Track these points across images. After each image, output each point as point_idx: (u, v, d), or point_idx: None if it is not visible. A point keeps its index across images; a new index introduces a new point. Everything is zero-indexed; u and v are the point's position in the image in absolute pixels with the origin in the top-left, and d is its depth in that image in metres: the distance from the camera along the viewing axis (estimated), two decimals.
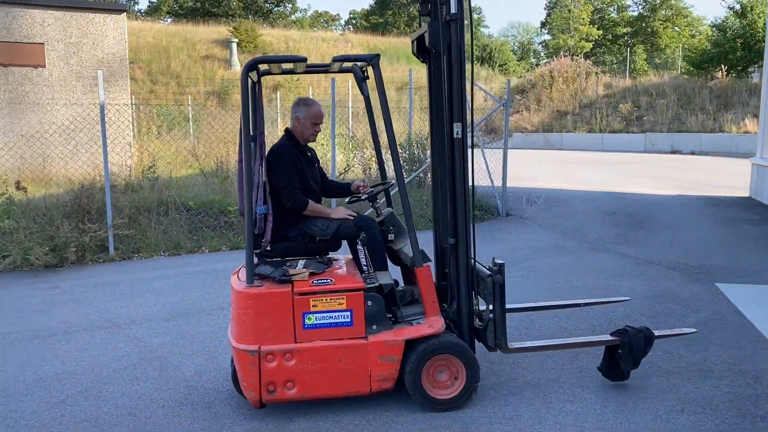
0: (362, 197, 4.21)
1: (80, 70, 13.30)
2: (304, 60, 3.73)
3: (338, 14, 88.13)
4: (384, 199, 4.50)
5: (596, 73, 34.42)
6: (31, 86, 13.20)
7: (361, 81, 3.57)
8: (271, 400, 3.59)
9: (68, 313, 5.86)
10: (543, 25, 58.72)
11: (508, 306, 4.63)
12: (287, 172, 3.88)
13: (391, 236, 4.04)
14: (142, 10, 51.67)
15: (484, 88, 14.18)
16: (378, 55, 3.63)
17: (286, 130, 4.10)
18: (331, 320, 3.55)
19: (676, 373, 4.19)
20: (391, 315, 3.74)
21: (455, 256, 3.80)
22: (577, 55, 41.97)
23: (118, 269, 7.73)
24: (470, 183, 3.79)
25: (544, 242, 8.63)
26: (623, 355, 3.88)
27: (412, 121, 13.18)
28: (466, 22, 3.64)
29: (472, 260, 3.89)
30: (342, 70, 3.85)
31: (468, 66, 3.79)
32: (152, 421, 3.66)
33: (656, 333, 4.00)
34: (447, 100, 3.71)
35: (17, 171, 11.90)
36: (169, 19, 49.44)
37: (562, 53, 41.30)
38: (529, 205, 11.20)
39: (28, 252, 7.47)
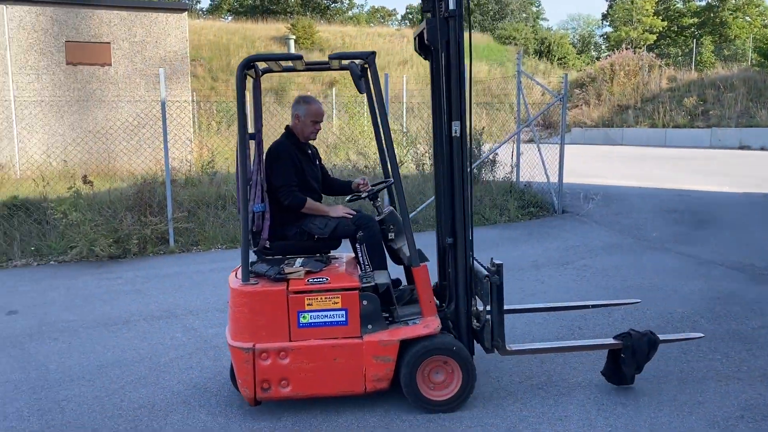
0: (362, 195, 4.16)
1: (144, 68, 13.77)
2: (300, 58, 3.72)
3: (395, 9, 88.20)
4: (387, 197, 4.47)
5: (660, 65, 33.27)
6: (98, 84, 13.75)
7: (357, 78, 3.52)
8: (266, 398, 3.61)
9: (129, 303, 6.09)
10: (604, 17, 57.12)
11: (519, 306, 4.58)
12: (286, 170, 3.86)
13: (391, 235, 3.98)
14: (204, 9, 53.00)
15: (542, 82, 13.94)
16: (374, 53, 3.59)
17: (287, 128, 4.09)
18: (325, 319, 3.54)
19: (736, 378, 4.03)
20: (387, 315, 3.70)
21: (454, 255, 3.76)
22: (640, 48, 40.68)
23: (177, 261, 7.98)
24: (470, 183, 3.72)
25: (601, 240, 8.43)
26: (626, 360, 3.78)
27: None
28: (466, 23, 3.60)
29: (472, 260, 3.83)
30: (342, 68, 3.79)
31: (468, 64, 3.70)
32: (205, 410, 3.77)
33: (662, 337, 3.90)
34: (445, 97, 3.66)
35: (84, 165, 12.43)
36: (230, 17, 50.52)
37: (623, 46, 40.11)
38: (587, 201, 10.94)
39: (94, 243, 7.79)
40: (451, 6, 3.55)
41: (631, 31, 50.67)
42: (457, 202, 3.69)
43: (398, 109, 18.81)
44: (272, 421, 3.61)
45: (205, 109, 21.66)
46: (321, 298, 3.53)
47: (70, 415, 3.76)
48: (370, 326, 3.56)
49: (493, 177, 11.43)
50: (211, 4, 53.84)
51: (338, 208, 3.98)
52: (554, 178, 10.50)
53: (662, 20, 51.84)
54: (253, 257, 3.87)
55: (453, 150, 3.68)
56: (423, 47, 3.85)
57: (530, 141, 12.17)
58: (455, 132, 3.65)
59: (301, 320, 3.54)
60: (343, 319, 3.54)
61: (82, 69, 13.64)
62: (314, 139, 4.12)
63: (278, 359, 3.53)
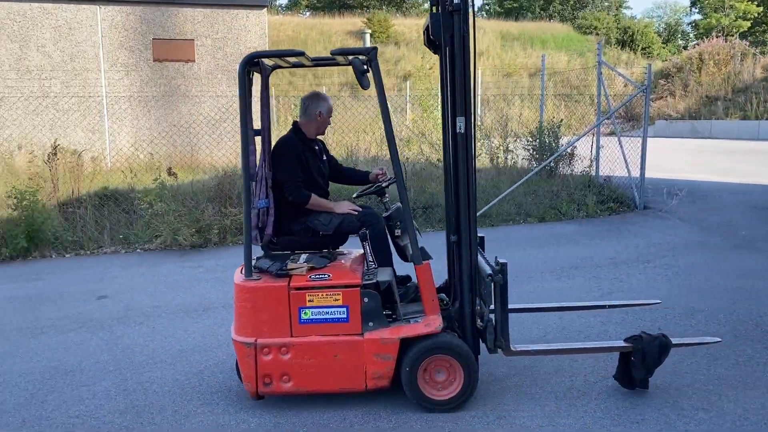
0: (383, 184, 4.13)
1: (225, 64, 14.23)
2: (302, 54, 3.64)
3: (472, 1, 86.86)
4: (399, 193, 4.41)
5: (754, 54, 31.34)
6: (182, 80, 14.32)
7: (360, 74, 3.45)
8: (268, 393, 3.64)
9: (209, 290, 6.32)
10: (693, 3, 54.35)
11: (537, 306, 4.49)
12: (292, 166, 3.87)
13: (397, 231, 3.93)
14: (283, 5, 54.12)
15: (624, 73, 13.43)
16: (375, 48, 3.54)
17: (294, 124, 4.09)
18: (327, 316, 3.53)
19: None
20: (391, 312, 3.65)
21: (459, 254, 3.67)
22: (732, 36, 38.44)
23: (256, 251, 8.20)
24: (474, 180, 3.62)
25: (685, 238, 8.05)
26: (636, 363, 3.64)
27: (544, 108, 12.80)
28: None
29: (477, 259, 3.72)
30: (348, 63, 3.70)
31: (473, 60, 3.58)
32: (280, 396, 3.87)
33: (675, 341, 3.72)
34: (450, 92, 3.59)
35: (169, 158, 12.97)
36: (308, 13, 51.35)
37: (714, 34, 38.02)
38: (670, 197, 10.48)
39: (177, 233, 8.14)
40: (456, 0, 3.48)
41: (723, 18, 47.98)
42: (462, 199, 3.61)
43: (475, 101, 18.60)
44: (342, 410, 3.66)
45: (283, 104, 22.15)
46: (322, 295, 3.53)
47: (152, 396, 3.95)
48: (371, 324, 3.53)
49: (571, 171, 11.13)
50: (289, 1, 54.92)
51: (343, 205, 3.97)
52: (636, 173, 10.11)
53: (758, 5, 48.77)
54: (261, 253, 3.91)
55: (458, 147, 3.59)
56: (430, 42, 3.78)
57: (611, 134, 11.76)
58: (459, 128, 3.57)
59: (303, 316, 3.54)
60: (344, 316, 3.53)
61: (168, 65, 14.24)
62: (324, 133, 4.16)
63: (280, 355, 3.55)
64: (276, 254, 3.91)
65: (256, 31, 14.58)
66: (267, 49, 14.98)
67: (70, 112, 13.73)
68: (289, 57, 3.72)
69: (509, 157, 11.70)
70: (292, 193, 3.86)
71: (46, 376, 4.31)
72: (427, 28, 3.77)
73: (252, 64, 3.67)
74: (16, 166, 10.04)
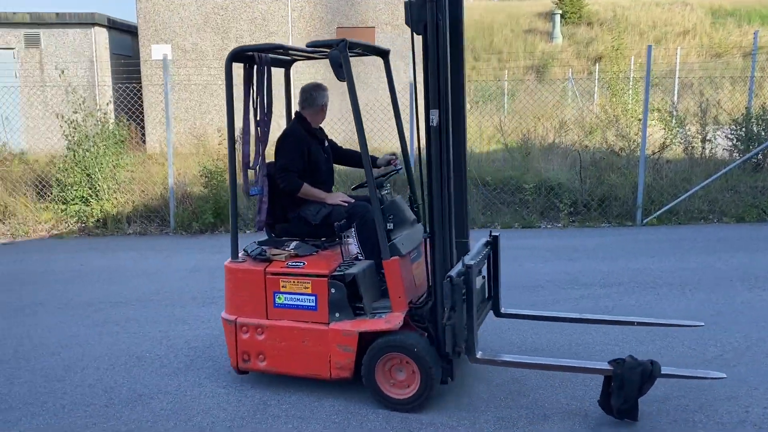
0: (398, 168, 4.13)
1: (403, 50, 14.34)
2: (281, 47, 3.75)
3: None
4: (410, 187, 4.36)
5: None
6: (362, 67, 14.69)
7: (337, 67, 3.43)
8: (246, 369, 3.86)
9: None
10: None
11: (552, 314, 4.24)
12: (289, 155, 3.93)
13: (389, 225, 3.72)
14: None
15: None
16: (344, 40, 3.47)
17: (297, 114, 4.12)
18: (298, 302, 3.67)
19: None
20: (359, 305, 3.61)
21: (432, 252, 3.48)
22: None
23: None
24: (448, 175, 3.43)
25: None
26: (614, 389, 3.26)
27: (756, 93, 11.18)
28: None
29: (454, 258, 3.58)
30: (327, 56, 3.55)
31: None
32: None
33: (666, 370, 3.26)
34: (423, 83, 3.42)
35: (348, 143, 13.42)
36: None
37: None
38: None
39: None
40: None
41: None
42: (435, 195, 3.42)
43: (672, 84, 16.89)
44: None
45: (467, 90, 21.96)
46: (294, 282, 3.67)
47: None
48: (337, 314, 3.60)
49: None
50: None
51: (336, 196, 3.99)
52: None
53: None
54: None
55: (431, 140, 3.41)
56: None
57: None
58: (432, 121, 3.39)
59: (277, 300, 3.72)
60: (313, 304, 3.64)
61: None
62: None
63: (256, 335, 3.76)
64: (272, 240, 4.04)
65: None
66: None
67: None
68: (268, 51, 3.84)
69: (707, 147, 10.40)
70: (283, 182, 3.92)
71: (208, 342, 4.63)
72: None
73: (238, 59, 3.79)
74: (209, 147, 10.99)
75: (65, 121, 8.88)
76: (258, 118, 3.95)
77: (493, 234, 4.08)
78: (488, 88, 22.48)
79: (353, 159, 4.40)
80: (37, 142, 13.08)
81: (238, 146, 3.98)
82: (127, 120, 9.99)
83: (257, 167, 3.93)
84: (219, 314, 4.04)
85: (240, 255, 3.92)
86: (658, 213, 8.63)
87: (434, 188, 3.43)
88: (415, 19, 3.39)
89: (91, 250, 7.96)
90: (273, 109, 4.01)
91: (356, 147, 3.97)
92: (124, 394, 3.87)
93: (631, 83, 16.72)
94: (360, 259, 3.82)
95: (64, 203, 9.02)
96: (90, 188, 8.94)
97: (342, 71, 3.45)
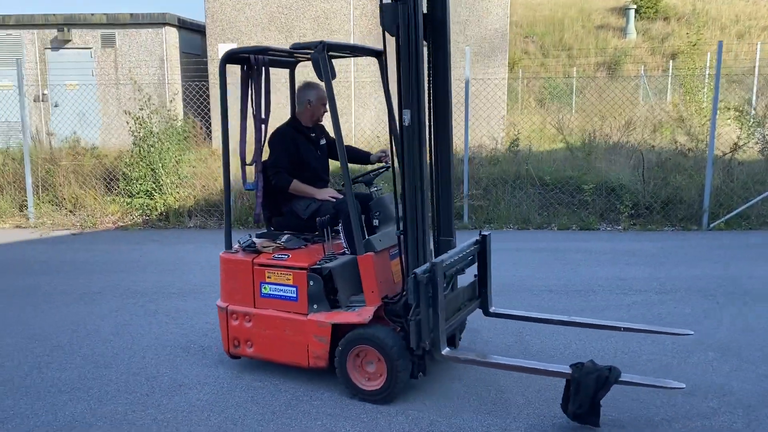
0: (388, 165, 4.20)
1: (462, 46, 14.17)
2: (265, 49, 3.91)
3: None
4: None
5: None
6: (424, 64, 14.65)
7: (317, 68, 3.59)
8: (237, 354, 4.08)
9: None
10: None
11: (540, 315, 4.18)
12: (278, 153, 4.11)
13: (375, 222, 3.95)
14: None
15: None
16: (321, 42, 3.59)
17: (291, 113, 4.31)
18: (281, 293, 3.85)
19: None
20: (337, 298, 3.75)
21: (406, 249, 3.55)
22: None
23: (465, 238, 8.06)
24: (422, 175, 3.46)
25: None
26: (571, 394, 3.22)
27: None
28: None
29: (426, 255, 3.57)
30: (311, 57, 3.69)
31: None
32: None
33: (626, 377, 3.19)
34: (396, 84, 3.47)
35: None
36: None
37: None
38: None
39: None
40: None
41: None
42: (408, 193, 3.48)
43: (752, 83, 15.98)
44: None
45: (529, 87, 21.55)
46: (278, 273, 3.85)
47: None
48: (315, 306, 3.74)
49: None
50: None
51: (325, 191, 4.13)
52: None
53: None
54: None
55: (404, 140, 3.48)
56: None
57: None
58: (405, 121, 3.45)
59: (263, 290, 3.92)
60: (294, 295, 3.81)
61: None
62: (321, 120, 4.31)
63: (244, 322, 3.98)
64: (269, 233, 4.23)
65: (497, 12, 14.24)
66: (507, 31, 14.60)
67: None
68: (254, 53, 4.00)
69: None
70: (273, 178, 4.13)
71: None
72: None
73: (232, 61, 3.98)
74: None
75: (132, 118, 9.25)
76: (255, 117, 4.14)
77: (482, 233, 4.11)
78: (556, 85, 21.97)
79: (351, 156, 4.44)
80: (111, 138, 13.68)
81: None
82: (194, 117, 10.32)
83: (255, 164, 4.17)
84: None
85: (234, 246, 4.16)
86: (727, 217, 8.20)
87: (407, 186, 3.50)
88: (388, 21, 3.44)
89: (152, 241, 8.26)
90: (272, 108, 4.23)
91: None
92: (165, 384, 3.98)
93: (706, 80, 15.96)
94: (346, 254, 3.90)
95: (129, 197, 9.40)
96: (154, 183, 9.28)
97: (320, 72, 3.60)
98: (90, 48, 15.14)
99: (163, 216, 9.27)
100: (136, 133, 9.36)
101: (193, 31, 16.27)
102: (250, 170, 4.23)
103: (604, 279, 6.01)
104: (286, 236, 4.06)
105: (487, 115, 13.29)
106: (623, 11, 33.92)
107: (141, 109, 9.25)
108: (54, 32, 15.09)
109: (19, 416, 3.59)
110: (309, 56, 3.69)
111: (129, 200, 9.37)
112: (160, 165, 9.24)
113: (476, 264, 4.06)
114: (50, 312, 5.43)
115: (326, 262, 3.77)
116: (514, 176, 9.37)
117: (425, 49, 3.59)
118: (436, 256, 3.79)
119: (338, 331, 3.68)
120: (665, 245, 7.38)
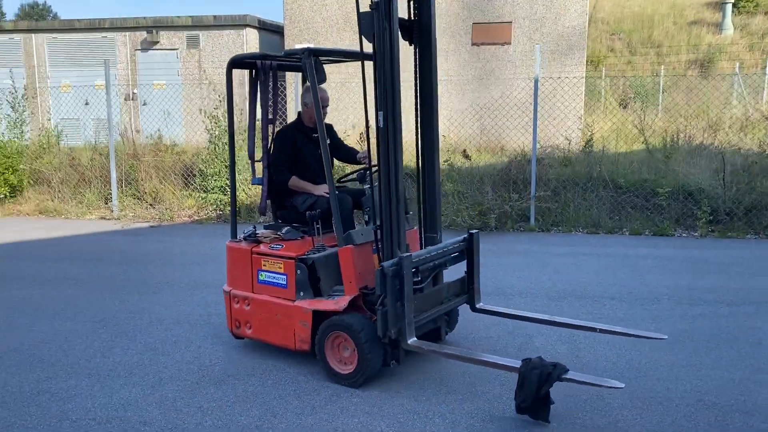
0: (366, 164, 4.31)
1: (541, 44, 13.85)
2: (264, 56, 4.25)
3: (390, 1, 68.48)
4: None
5: None
6: (497, 63, 14.40)
7: (309, 72, 3.87)
8: (238, 334, 4.45)
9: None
10: None
11: (523, 313, 4.31)
12: (278, 152, 4.43)
13: (366, 217, 4.24)
14: None
15: None
16: (306, 49, 3.87)
17: (297, 114, 4.58)
18: (274, 280, 4.15)
19: None
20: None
21: (382, 245, 3.78)
22: None
23: (532, 240, 7.90)
24: (397, 175, 3.67)
25: None
26: (517, 388, 3.35)
27: None
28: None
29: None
30: (302, 63, 3.92)
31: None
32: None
33: (570, 375, 3.24)
34: (374, 87, 3.66)
35: (475, 140, 13.27)
36: None
37: None
38: None
39: (457, 214, 8.28)
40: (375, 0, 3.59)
41: None
42: (383, 190, 3.70)
43: None
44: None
45: (616, 86, 20.81)
46: (272, 261, 4.15)
47: None
48: (302, 293, 4.02)
49: None
50: None
51: (321, 187, 4.34)
52: None
53: None
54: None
55: (379, 141, 3.68)
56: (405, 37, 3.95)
57: None
58: (379, 123, 3.67)
59: (260, 277, 4.23)
60: (284, 282, 4.09)
61: (485, 49, 14.46)
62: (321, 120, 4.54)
63: (244, 305, 4.32)
64: (274, 225, 4.51)
65: (575, 9, 13.82)
66: (585, 28, 14.14)
67: None
68: (255, 59, 4.29)
69: None
70: (273, 175, 4.45)
71: None
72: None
73: (238, 66, 4.32)
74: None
75: (207, 117, 9.63)
76: (262, 117, 4.46)
77: (470, 232, 4.26)
78: (643, 84, 21.11)
79: (346, 155, 4.79)
80: (194, 135, 14.30)
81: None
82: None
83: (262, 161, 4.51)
84: None
85: (240, 236, 4.48)
86: None
87: (382, 184, 3.71)
88: (365, 28, 3.63)
89: (223, 236, 8.52)
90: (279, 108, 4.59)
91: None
92: (215, 373, 4.12)
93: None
94: (336, 246, 4.08)
95: (204, 192, 9.80)
96: (227, 179, 9.63)
97: (312, 78, 3.90)
98: (176, 49, 15.87)
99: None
100: (211, 131, 9.73)
101: (272, 32, 16.75)
102: (259, 166, 4.54)
103: (672, 288, 5.72)
104: (285, 228, 4.35)
105: (563, 115, 12.95)
106: (719, 6, 32.14)
107: (216, 108, 9.61)
108: (143, 34, 15.92)
109: (78, 396, 3.82)
110: (302, 63, 3.96)
111: (204, 195, 9.76)
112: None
113: (467, 262, 4.24)
114: (120, 299, 5.74)
115: (312, 253, 4.03)
116: (586, 178, 9.07)
117: (417, 51, 3.97)
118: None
119: (320, 317, 3.93)
120: (744, 254, 6.94)
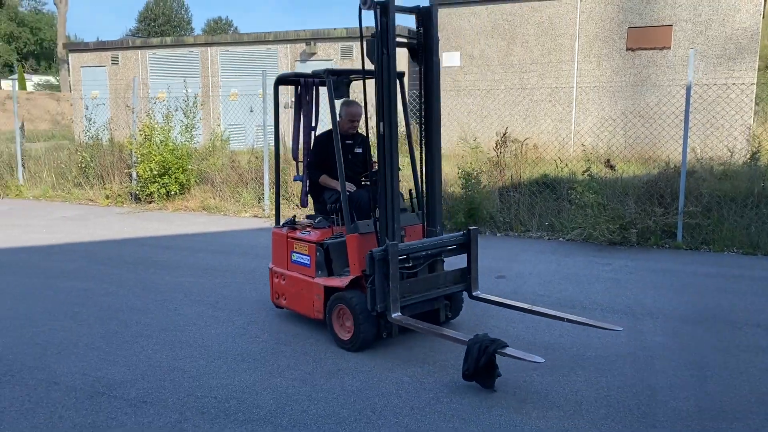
0: (374, 170, 4.74)
1: (705, 49, 12.78)
2: (301, 75, 5.21)
3: (386, 28, 53.82)
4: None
5: None
6: (654, 68, 13.53)
7: (333, 89, 4.73)
8: (277, 304, 5.36)
9: (603, 289, 6.02)
10: None
11: (512, 303, 4.85)
12: (313, 154, 5.28)
13: (376, 212, 4.63)
14: None
15: None
16: (327, 70, 4.80)
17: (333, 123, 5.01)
18: (301, 260, 5.02)
19: None
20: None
21: (380, 235, 4.47)
22: None
23: (677, 258, 7.37)
24: (394, 175, 4.35)
25: None
26: (463, 358, 3.90)
27: None
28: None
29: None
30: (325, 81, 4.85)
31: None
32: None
33: (507, 351, 3.76)
34: (376, 101, 4.36)
35: (627, 149, 12.57)
36: None
37: None
38: None
39: (595, 226, 7.93)
40: (376, 26, 4.32)
41: None
42: (380, 189, 4.39)
43: None
44: None
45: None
46: (300, 245, 5.01)
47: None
48: (320, 272, 4.84)
49: None
50: None
51: (346, 185, 4.79)
52: None
53: None
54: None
55: (384, 147, 4.33)
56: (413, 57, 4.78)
57: None
58: (381, 130, 4.31)
59: (292, 258, 5.11)
60: (308, 262, 4.94)
61: (641, 54, 13.64)
62: (354, 131, 5.33)
63: (281, 280, 5.23)
64: (312, 215, 5.34)
65: (748, 9, 12.58)
66: (759, 30, 12.82)
67: (542, 103, 14.65)
68: (300, 77, 5.17)
69: None
70: (308, 173, 5.29)
71: None
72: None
73: (282, 83, 5.29)
74: (483, 150, 11.31)
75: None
76: (305, 125, 5.28)
77: (469, 228, 4.88)
78: None
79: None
80: None
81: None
82: (415, 122, 10.87)
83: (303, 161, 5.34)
84: None
85: (281, 222, 5.40)
86: None
87: (379, 183, 4.38)
88: (370, 52, 4.33)
89: None
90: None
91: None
92: (327, 366, 4.35)
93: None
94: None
95: None
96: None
97: (337, 93, 4.77)
98: (331, 59, 16.74)
99: None
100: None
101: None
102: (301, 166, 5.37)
103: None
104: (318, 219, 5.17)
105: (729, 125, 11.89)
106: None
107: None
108: (303, 46, 16.99)
109: (205, 375, 4.22)
110: (324, 81, 4.81)
111: None
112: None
113: (467, 255, 4.83)
114: (258, 291, 6.22)
115: (329, 240, 4.81)
116: (746, 193, 8.27)
117: (423, 69, 4.66)
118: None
119: (330, 292, 4.72)
120: None
